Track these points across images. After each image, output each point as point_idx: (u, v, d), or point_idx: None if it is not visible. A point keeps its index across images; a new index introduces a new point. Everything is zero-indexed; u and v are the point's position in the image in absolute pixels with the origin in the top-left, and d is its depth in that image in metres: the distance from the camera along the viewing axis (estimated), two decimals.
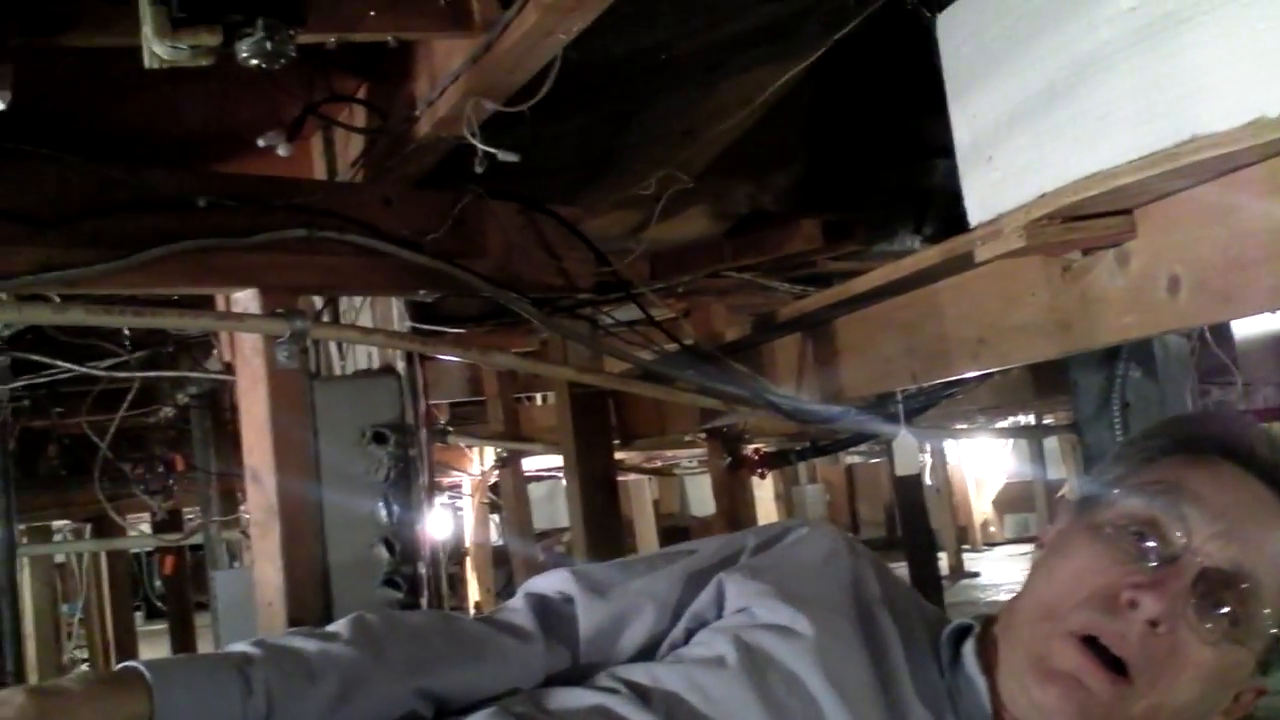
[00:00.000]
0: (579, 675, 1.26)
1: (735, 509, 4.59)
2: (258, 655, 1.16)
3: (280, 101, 2.30)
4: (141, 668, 1.10)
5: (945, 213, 2.70)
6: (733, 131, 2.67)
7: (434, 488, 2.38)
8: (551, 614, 1.29)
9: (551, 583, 1.33)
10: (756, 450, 4.84)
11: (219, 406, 4.69)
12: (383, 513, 2.25)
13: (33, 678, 5.55)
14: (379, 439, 2.28)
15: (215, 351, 3.89)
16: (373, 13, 1.75)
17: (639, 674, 1.19)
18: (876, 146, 2.99)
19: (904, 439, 2.64)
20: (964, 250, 1.84)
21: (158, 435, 5.34)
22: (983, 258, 1.72)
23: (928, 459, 10.22)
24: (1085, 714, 1.06)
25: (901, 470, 4.13)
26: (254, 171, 2.42)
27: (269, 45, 1.43)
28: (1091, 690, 1.06)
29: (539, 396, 6.25)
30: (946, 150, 2.65)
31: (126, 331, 3.76)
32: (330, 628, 1.25)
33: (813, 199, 3.32)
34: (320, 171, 2.55)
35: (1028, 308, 1.96)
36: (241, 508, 5.07)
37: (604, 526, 3.75)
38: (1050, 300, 1.89)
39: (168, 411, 4.90)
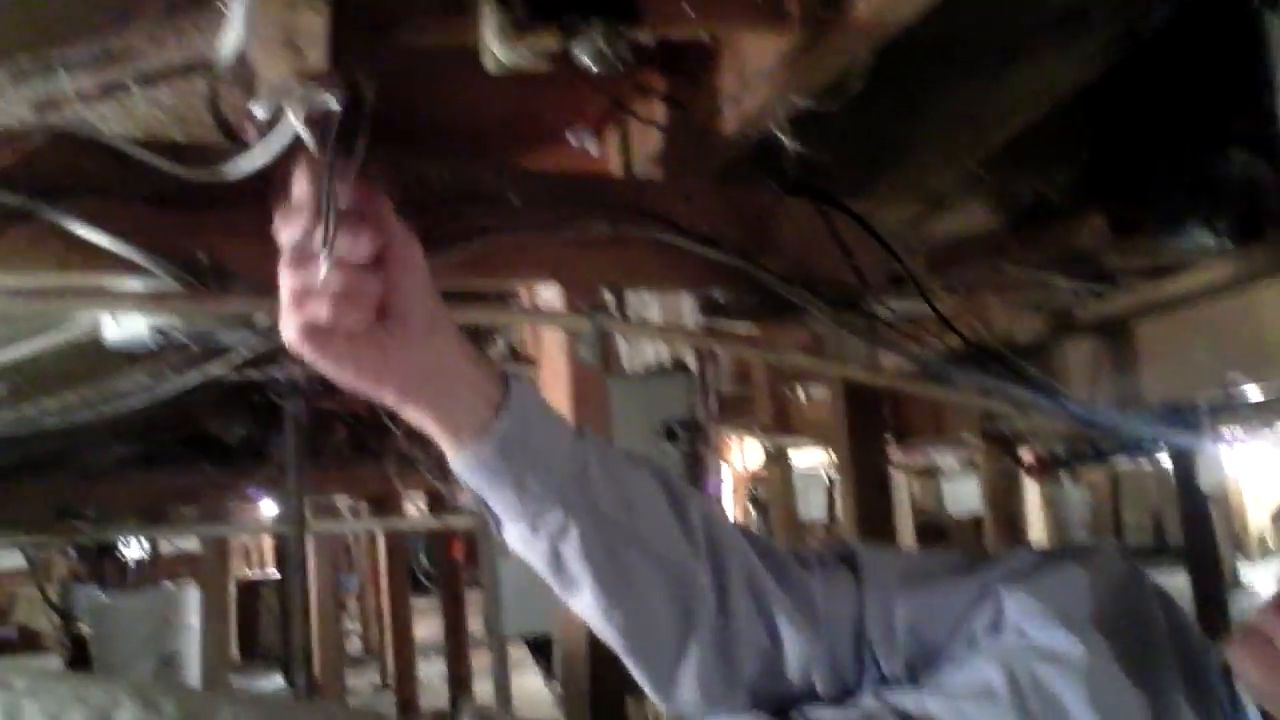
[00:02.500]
0: (850, 657, 1.21)
1: (1009, 509, 4.48)
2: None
3: (580, 95, 2.34)
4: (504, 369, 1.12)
5: (1242, 208, 2.58)
6: (1021, 122, 2.60)
7: (721, 483, 2.39)
8: (835, 560, 1.24)
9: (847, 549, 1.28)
10: (1034, 452, 4.72)
11: None
12: None
13: (315, 650, 5.80)
14: (670, 435, 2.31)
15: (498, 341, 3.99)
16: (690, 10, 1.74)
17: (907, 700, 1.14)
18: (1168, 137, 2.87)
19: (1210, 449, 2.52)
20: None
21: None
22: None
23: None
24: None
25: (1206, 482, 3.92)
26: (550, 162, 2.46)
27: (605, 47, 1.45)
28: None
29: (800, 390, 6.21)
30: (1246, 140, 2.52)
31: None
32: None
33: (1099, 191, 3.20)
34: (614, 164, 2.58)
35: None
36: None
37: (876, 525, 3.70)
38: None
39: None
